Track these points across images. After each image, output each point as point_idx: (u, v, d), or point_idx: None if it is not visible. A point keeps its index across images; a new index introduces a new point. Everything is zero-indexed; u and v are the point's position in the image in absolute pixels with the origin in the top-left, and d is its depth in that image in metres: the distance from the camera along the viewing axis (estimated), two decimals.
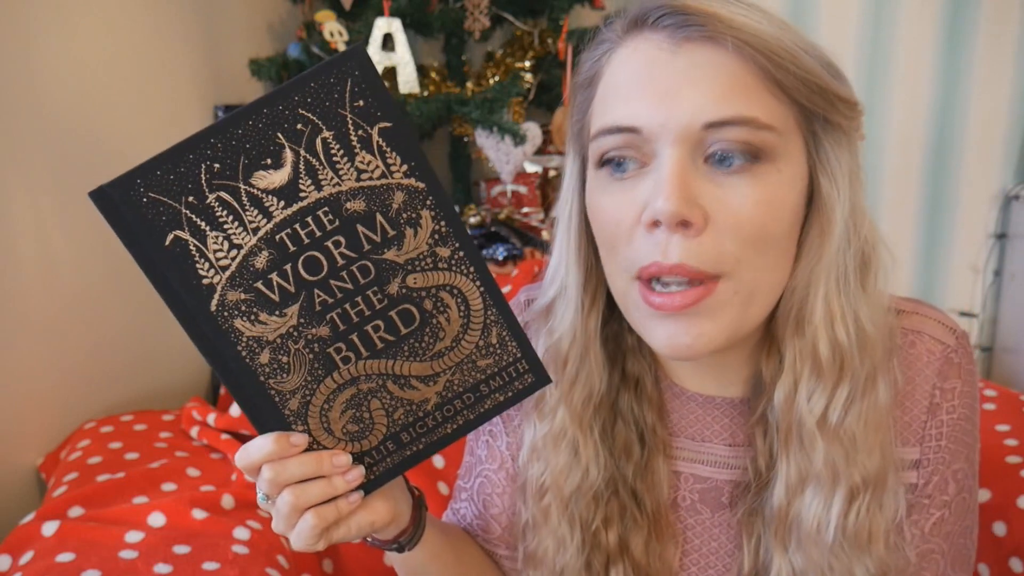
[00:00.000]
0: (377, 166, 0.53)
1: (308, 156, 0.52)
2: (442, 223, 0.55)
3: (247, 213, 0.52)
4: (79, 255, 1.37)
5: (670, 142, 0.54)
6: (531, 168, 2.00)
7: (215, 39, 1.72)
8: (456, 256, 0.55)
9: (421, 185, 0.54)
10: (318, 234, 0.53)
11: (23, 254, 1.28)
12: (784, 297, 0.60)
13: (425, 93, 1.70)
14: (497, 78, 1.81)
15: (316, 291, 0.54)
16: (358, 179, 0.53)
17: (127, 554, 1.00)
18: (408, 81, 1.60)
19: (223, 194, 0.51)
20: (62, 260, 1.34)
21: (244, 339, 0.54)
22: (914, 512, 0.65)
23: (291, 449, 0.55)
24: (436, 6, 1.73)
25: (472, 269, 0.56)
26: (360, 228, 0.54)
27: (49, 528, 1.05)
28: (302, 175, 0.52)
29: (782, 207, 0.56)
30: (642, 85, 0.56)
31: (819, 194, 0.58)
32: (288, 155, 0.51)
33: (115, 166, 1.53)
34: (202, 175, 0.51)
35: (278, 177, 0.52)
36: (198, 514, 1.07)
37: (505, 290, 1.56)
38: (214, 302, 0.53)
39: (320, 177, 0.52)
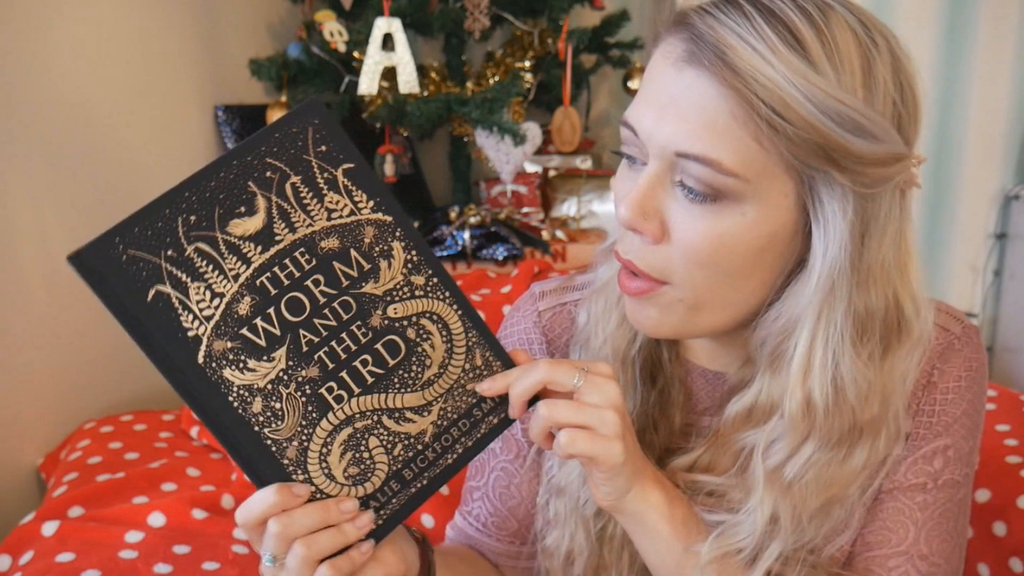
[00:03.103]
0: (345, 204, 0.56)
1: (280, 201, 0.54)
2: (413, 252, 0.57)
3: (226, 261, 0.53)
4: None
5: (653, 154, 0.57)
6: (531, 168, 2.00)
7: (215, 39, 1.72)
8: (431, 283, 0.58)
9: (388, 218, 0.57)
10: (297, 275, 0.55)
11: (23, 254, 1.29)
12: (767, 319, 0.60)
13: (425, 93, 1.70)
14: (497, 78, 1.81)
15: (301, 331, 0.55)
16: (329, 218, 0.55)
17: (127, 554, 1.00)
18: (408, 81, 1.60)
19: (201, 244, 0.53)
20: (62, 260, 1.34)
21: (235, 389, 0.54)
22: (897, 474, 0.65)
23: (295, 500, 0.53)
24: (436, 6, 1.73)
25: (448, 294, 0.59)
26: (337, 265, 0.56)
27: (49, 528, 1.05)
28: (276, 219, 0.54)
29: (738, 244, 0.56)
30: (649, 92, 0.58)
31: (811, 241, 0.57)
32: (261, 202, 0.54)
33: (115, 166, 1.52)
34: (179, 228, 0.52)
35: (253, 223, 0.54)
36: (198, 514, 1.08)
37: (505, 290, 1.56)
38: (201, 354, 0.53)
39: (293, 220, 0.55)
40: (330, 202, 0.55)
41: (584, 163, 2.03)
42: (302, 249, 0.55)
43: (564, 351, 0.75)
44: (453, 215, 1.79)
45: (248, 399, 0.55)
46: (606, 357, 0.69)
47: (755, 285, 0.59)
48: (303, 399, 0.56)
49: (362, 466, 0.57)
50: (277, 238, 0.54)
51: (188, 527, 1.06)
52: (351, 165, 0.56)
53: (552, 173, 2.03)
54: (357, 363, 0.56)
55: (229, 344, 0.54)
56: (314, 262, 0.55)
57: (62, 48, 1.36)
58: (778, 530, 0.61)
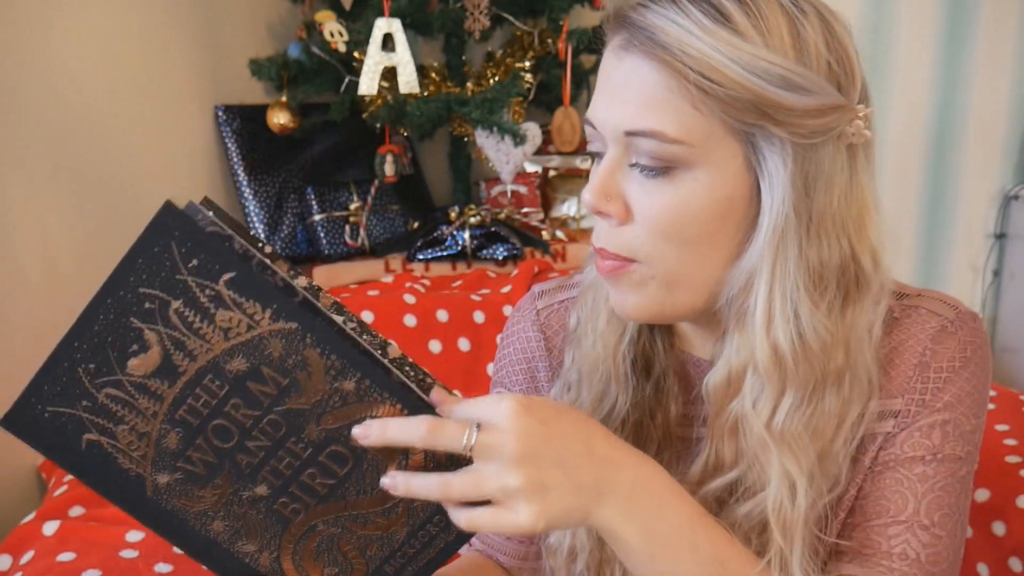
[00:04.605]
0: (240, 320, 0.49)
1: (168, 331, 0.50)
2: (332, 357, 0.50)
3: (138, 402, 0.51)
4: (79, 254, 1.37)
5: (609, 141, 0.61)
6: (531, 168, 2.00)
7: (215, 39, 1.72)
8: (363, 386, 0.51)
9: (293, 325, 0.49)
10: (213, 402, 0.51)
11: (24, 254, 1.29)
12: (730, 279, 0.62)
13: (425, 93, 1.70)
14: (497, 78, 1.81)
15: (237, 456, 0.53)
16: (227, 338, 0.50)
17: (127, 553, 1.01)
18: (408, 81, 1.60)
19: (110, 390, 0.51)
20: (63, 260, 1.35)
21: (191, 514, 0.55)
22: (893, 447, 0.65)
23: None
24: (436, 6, 1.73)
25: (385, 394, 0.51)
26: (252, 385, 0.51)
27: (50, 528, 1.05)
28: (171, 351, 0.50)
29: (697, 211, 0.59)
30: (600, 86, 0.62)
31: (761, 197, 0.60)
32: (150, 336, 0.50)
33: (115, 166, 1.52)
34: (83, 378, 0.51)
35: (151, 360, 0.51)
36: None
37: (505, 290, 1.56)
38: (148, 489, 0.54)
39: (190, 347, 0.50)
40: (222, 321, 0.49)
41: (584, 163, 2.03)
42: (210, 376, 0.50)
43: (562, 347, 0.77)
44: (453, 215, 1.79)
45: (207, 521, 0.55)
46: (598, 354, 0.70)
47: (720, 254, 0.61)
48: (260, 516, 0.55)
49: (340, 566, 0.56)
50: (180, 369, 0.50)
51: None
52: (231, 275, 0.48)
53: (552, 173, 2.03)
54: (304, 477, 0.53)
55: (172, 477, 0.53)
56: (227, 387, 0.51)
57: (63, 48, 1.36)
58: (797, 490, 0.61)
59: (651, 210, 0.60)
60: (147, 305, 0.49)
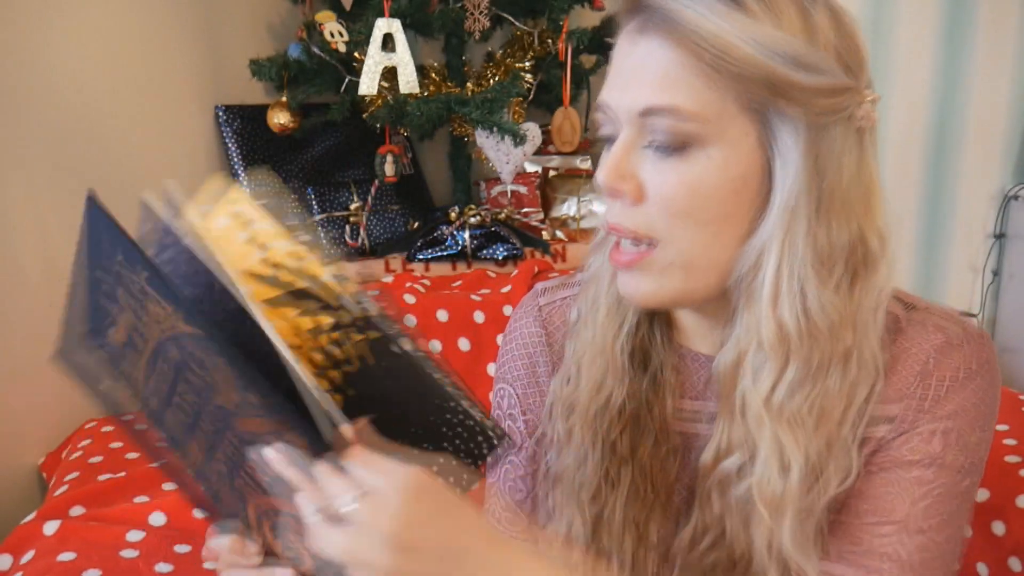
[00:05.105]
0: (165, 315, 0.49)
1: (123, 312, 0.51)
2: (235, 368, 0.48)
3: (123, 369, 0.55)
4: None
5: (624, 123, 0.62)
6: (531, 168, 2.00)
7: (215, 39, 1.72)
8: (266, 402, 0.49)
9: (200, 332, 0.48)
10: (166, 384, 0.53)
11: (24, 254, 1.29)
12: (741, 257, 0.62)
13: (425, 93, 1.70)
14: (497, 78, 1.81)
15: (196, 433, 0.54)
16: (161, 329, 0.50)
17: (128, 553, 1.01)
18: (408, 81, 1.60)
19: (100, 353, 0.55)
20: (63, 259, 1.34)
21: (188, 463, 0.57)
22: (891, 449, 0.64)
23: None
24: (436, 6, 1.73)
25: (287, 420, 0.49)
26: (188, 375, 0.51)
27: (50, 527, 1.05)
28: (131, 329, 0.52)
29: (711, 189, 0.60)
30: (615, 70, 0.63)
31: (773, 176, 0.61)
32: (116, 311, 0.52)
33: (115, 166, 1.52)
34: (76, 338, 0.55)
35: (120, 334, 0.53)
36: (199, 514, 1.08)
37: (505, 290, 1.57)
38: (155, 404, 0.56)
39: (142, 328, 0.51)
40: (153, 312, 0.49)
41: (584, 163, 2.03)
42: (160, 358, 0.51)
43: (562, 343, 0.78)
44: (453, 215, 1.79)
45: (199, 476, 0.58)
46: (596, 346, 0.71)
47: (734, 233, 0.62)
48: (227, 487, 0.56)
49: (293, 550, 0.56)
50: (139, 348, 0.52)
51: (189, 527, 1.06)
52: (147, 274, 0.48)
53: (552, 173, 2.03)
54: (247, 468, 0.53)
55: (165, 433, 0.57)
56: (171, 373, 0.51)
57: (63, 48, 1.36)
58: (791, 469, 0.61)
59: (665, 189, 0.60)
60: (104, 286, 0.52)
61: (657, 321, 0.72)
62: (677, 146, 0.60)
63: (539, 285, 0.82)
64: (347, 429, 0.52)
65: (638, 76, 0.60)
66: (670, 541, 0.71)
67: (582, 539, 0.71)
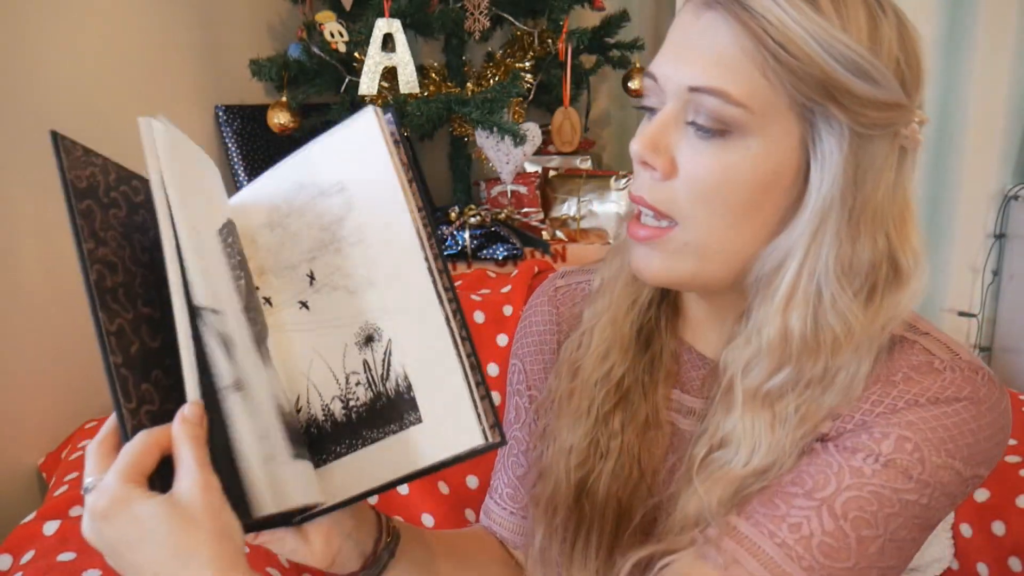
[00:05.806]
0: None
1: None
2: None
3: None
4: None
5: (670, 95, 0.61)
6: (531, 168, 2.01)
7: (216, 39, 1.72)
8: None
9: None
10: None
11: (24, 254, 1.29)
12: (764, 255, 0.62)
13: (425, 93, 1.70)
14: (497, 78, 1.81)
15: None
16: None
17: None
18: (408, 81, 1.60)
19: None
20: (63, 259, 1.35)
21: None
22: (837, 439, 0.62)
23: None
24: (436, 6, 1.73)
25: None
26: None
27: (50, 527, 1.05)
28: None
29: (742, 179, 0.59)
30: (671, 40, 0.62)
31: (809, 178, 0.60)
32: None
33: None
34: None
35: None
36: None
37: (505, 290, 1.56)
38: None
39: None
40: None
41: (584, 163, 2.03)
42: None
43: (571, 323, 0.80)
44: (453, 215, 1.79)
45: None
46: (609, 315, 0.72)
47: (756, 228, 0.61)
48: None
49: None
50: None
51: None
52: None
53: (552, 173, 2.03)
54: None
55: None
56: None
57: (63, 48, 1.36)
58: (753, 457, 0.61)
59: (697, 169, 0.60)
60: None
61: (666, 306, 0.73)
62: (718, 130, 0.59)
63: (561, 269, 0.86)
64: (195, 405, 0.54)
65: (694, 50, 0.59)
66: (652, 527, 0.71)
67: (565, 504, 0.72)
